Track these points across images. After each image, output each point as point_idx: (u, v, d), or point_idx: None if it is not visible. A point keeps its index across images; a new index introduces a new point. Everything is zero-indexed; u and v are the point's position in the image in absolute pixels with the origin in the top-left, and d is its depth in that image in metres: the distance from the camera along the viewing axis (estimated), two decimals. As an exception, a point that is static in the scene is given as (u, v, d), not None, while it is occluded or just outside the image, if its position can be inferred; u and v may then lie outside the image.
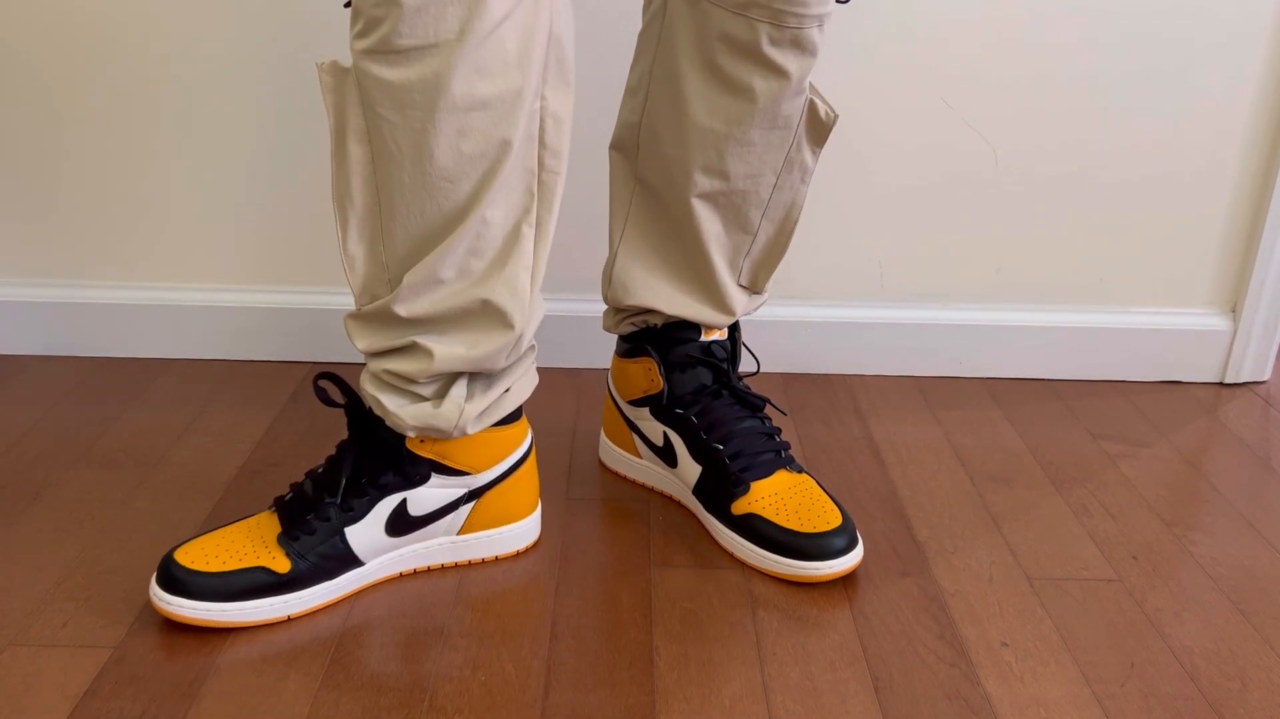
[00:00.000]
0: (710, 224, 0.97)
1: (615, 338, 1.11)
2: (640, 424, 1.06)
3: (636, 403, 1.05)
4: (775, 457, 0.99)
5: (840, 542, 0.93)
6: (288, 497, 0.90)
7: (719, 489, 0.98)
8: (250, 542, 0.87)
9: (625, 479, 1.09)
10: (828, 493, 0.98)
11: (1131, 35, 1.23)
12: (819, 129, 0.96)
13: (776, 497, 0.97)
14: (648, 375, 1.02)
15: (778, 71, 0.89)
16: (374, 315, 0.84)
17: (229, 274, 1.32)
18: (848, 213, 1.30)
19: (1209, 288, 1.34)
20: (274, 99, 1.24)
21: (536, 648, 0.85)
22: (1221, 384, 1.36)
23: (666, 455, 1.04)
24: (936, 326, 1.34)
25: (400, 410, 0.86)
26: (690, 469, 1.01)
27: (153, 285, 1.32)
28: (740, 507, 0.97)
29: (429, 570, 0.95)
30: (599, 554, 0.98)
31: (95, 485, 1.06)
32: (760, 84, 0.90)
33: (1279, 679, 0.85)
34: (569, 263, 1.30)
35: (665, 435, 1.03)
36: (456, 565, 0.95)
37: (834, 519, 0.94)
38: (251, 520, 0.90)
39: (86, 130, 1.25)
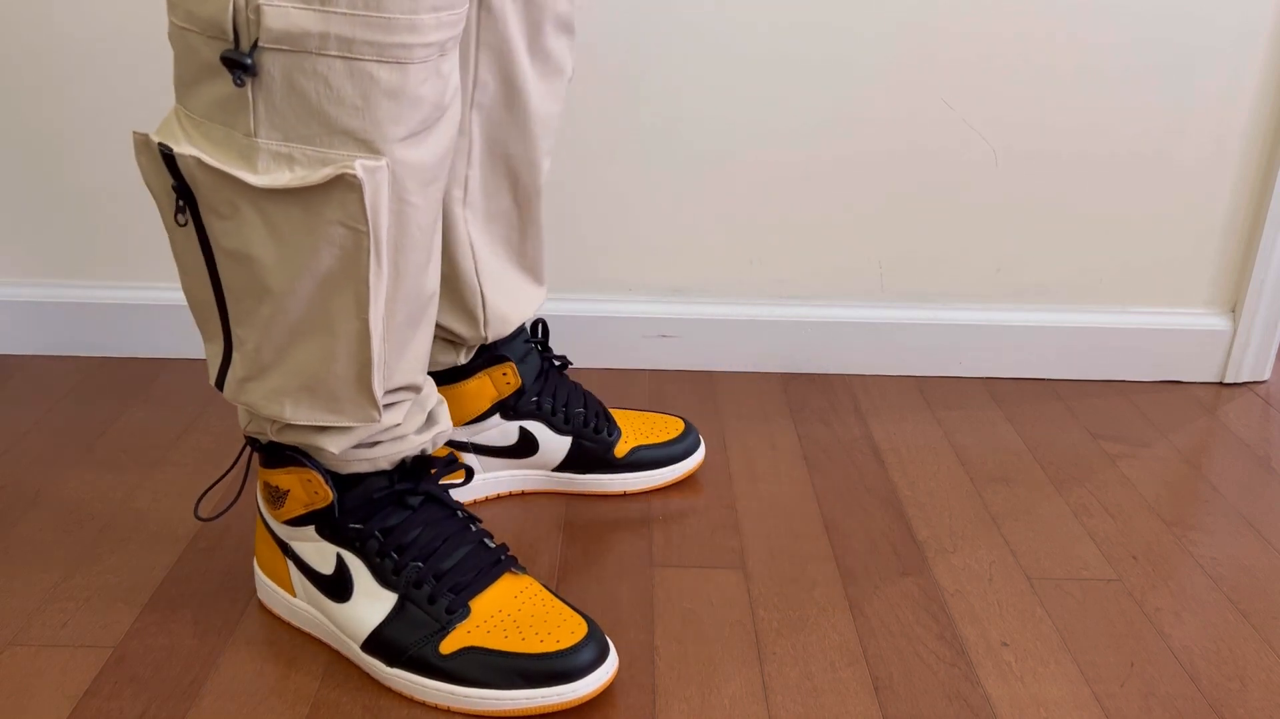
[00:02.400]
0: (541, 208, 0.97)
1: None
2: (484, 434, 1.02)
3: (483, 416, 1.01)
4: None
5: (690, 440, 1.06)
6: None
7: (597, 446, 1.06)
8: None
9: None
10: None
11: (1131, 36, 1.23)
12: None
13: (629, 427, 1.07)
14: (500, 381, 1.00)
15: (573, 32, 0.91)
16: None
17: (229, 274, 1.32)
18: (848, 213, 1.30)
19: (1209, 288, 1.34)
20: (274, 99, 1.24)
21: (536, 648, 0.85)
22: (1221, 384, 1.36)
23: (523, 449, 1.04)
24: (936, 326, 1.34)
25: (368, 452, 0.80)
26: (557, 447, 1.04)
27: (153, 285, 1.32)
28: (622, 448, 1.06)
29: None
30: (599, 554, 0.98)
31: (95, 485, 1.06)
32: (568, 52, 0.91)
33: (1279, 679, 0.85)
34: (569, 263, 1.31)
35: (522, 429, 1.03)
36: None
37: (677, 426, 1.07)
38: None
39: (86, 130, 1.25)
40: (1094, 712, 0.81)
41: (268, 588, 0.88)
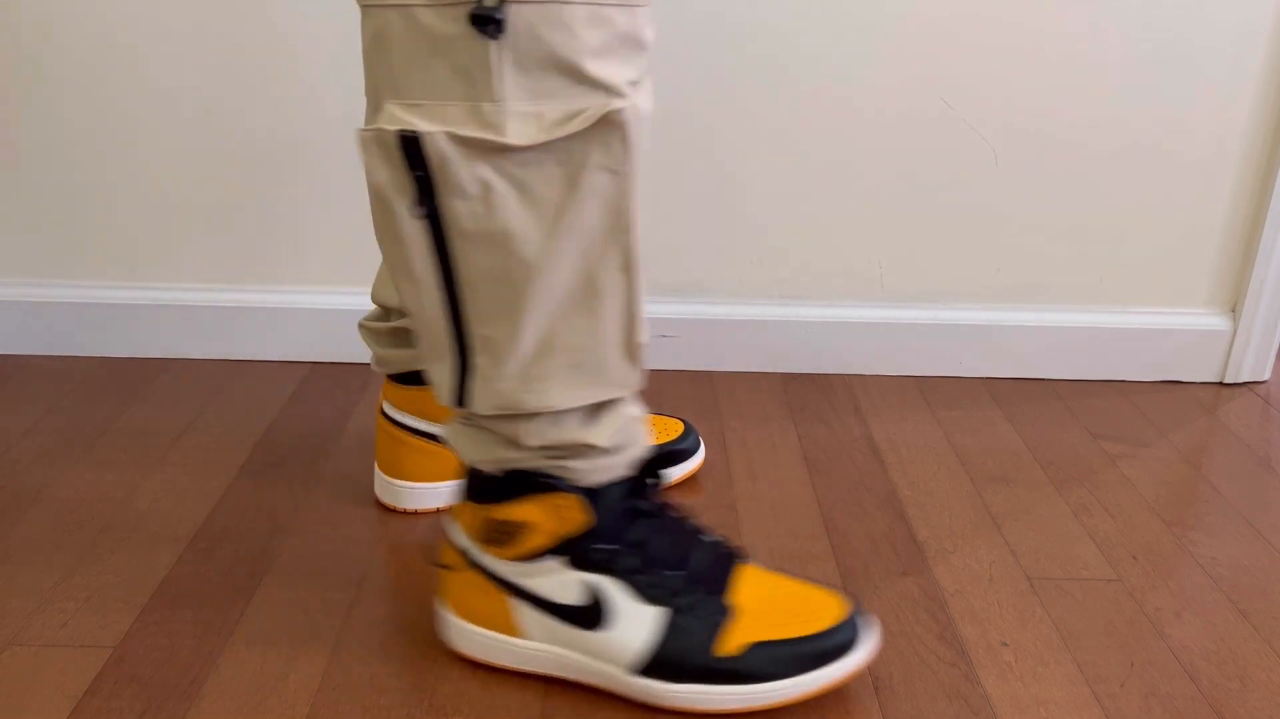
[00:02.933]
0: None
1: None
2: None
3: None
4: None
5: None
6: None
7: None
8: None
9: None
10: None
11: (1131, 36, 1.23)
12: None
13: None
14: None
15: None
16: None
17: (229, 274, 1.32)
18: (848, 213, 1.30)
19: (1209, 288, 1.34)
20: (276, 99, 1.24)
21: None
22: (1221, 384, 1.36)
23: None
24: (936, 326, 1.34)
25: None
26: None
27: (153, 285, 1.32)
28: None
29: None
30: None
31: (95, 485, 1.06)
32: None
33: (1279, 679, 0.85)
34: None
35: None
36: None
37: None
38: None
39: (87, 131, 1.25)
40: (1094, 712, 0.81)
41: (481, 638, 0.81)
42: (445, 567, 0.81)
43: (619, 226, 0.68)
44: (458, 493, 0.80)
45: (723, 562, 0.80)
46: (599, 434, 0.74)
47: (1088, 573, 0.97)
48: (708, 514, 1.04)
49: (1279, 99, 1.25)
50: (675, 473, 1.08)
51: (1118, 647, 0.88)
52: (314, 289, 1.32)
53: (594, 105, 0.65)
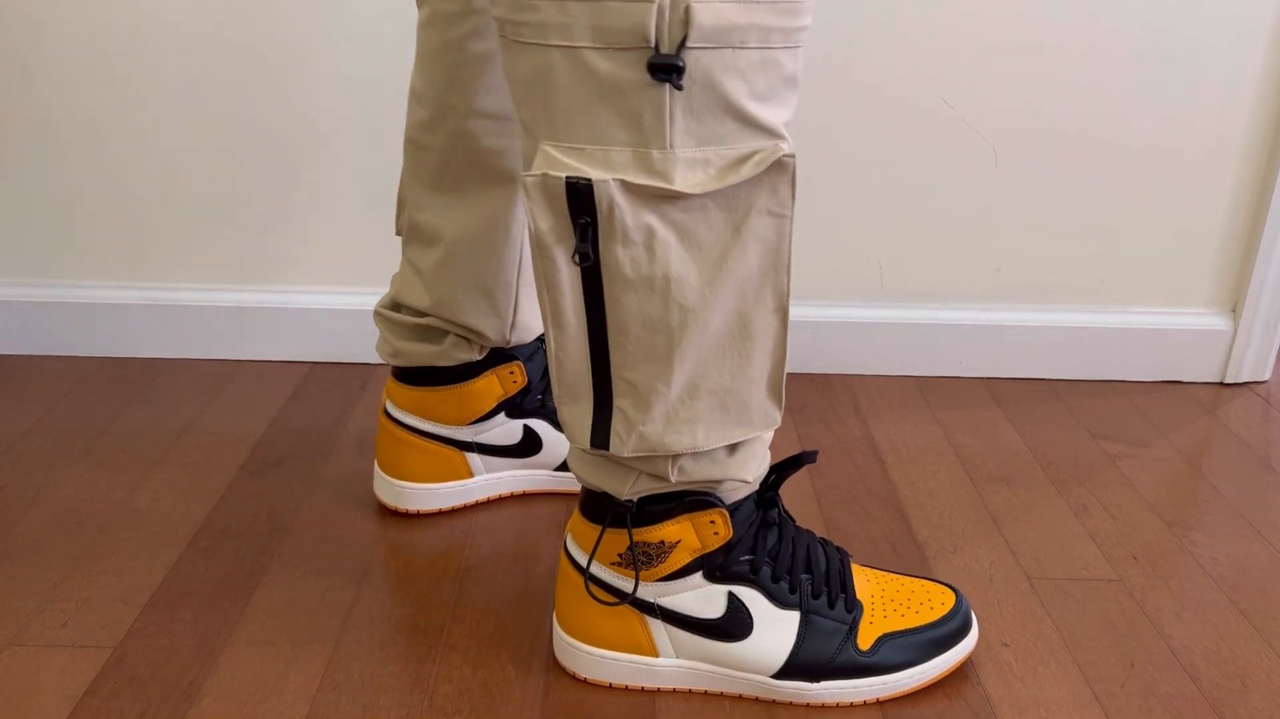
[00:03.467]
0: None
1: None
2: (489, 434, 1.01)
3: (488, 415, 1.00)
4: None
5: None
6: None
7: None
8: None
9: None
10: None
11: (1131, 36, 1.23)
12: None
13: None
14: (508, 380, 1.00)
15: None
16: None
17: (229, 274, 1.32)
18: (847, 213, 1.30)
19: (1209, 288, 1.34)
20: (277, 99, 1.24)
21: (536, 648, 0.85)
22: (1221, 384, 1.36)
23: (527, 448, 1.03)
24: (936, 326, 1.34)
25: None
26: (559, 445, 1.04)
27: (153, 285, 1.32)
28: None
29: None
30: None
31: (95, 485, 1.06)
32: None
33: (1279, 679, 0.85)
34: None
35: (526, 428, 1.02)
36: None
37: None
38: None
39: (86, 130, 1.25)
40: (1094, 712, 0.81)
41: (620, 664, 0.81)
42: (605, 602, 0.79)
43: (776, 268, 0.68)
44: (582, 518, 0.80)
45: (840, 563, 0.82)
46: (743, 469, 0.75)
47: (1088, 573, 0.97)
48: (708, 514, 1.04)
49: (1278, 100, 1.25)
50: None
51: (1118, 647, 0.88)
52: (314, 289, 1.32)
53: (761, 149, 0.64)
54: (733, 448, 0.75)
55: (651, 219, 0.64)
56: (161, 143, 1.26)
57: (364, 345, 1.33)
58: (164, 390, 1.26)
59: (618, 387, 0.70)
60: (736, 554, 0.78)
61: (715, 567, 0.78)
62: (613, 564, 0.78)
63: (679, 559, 0.77)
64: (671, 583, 0.78)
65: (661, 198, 0.63)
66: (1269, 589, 0.96)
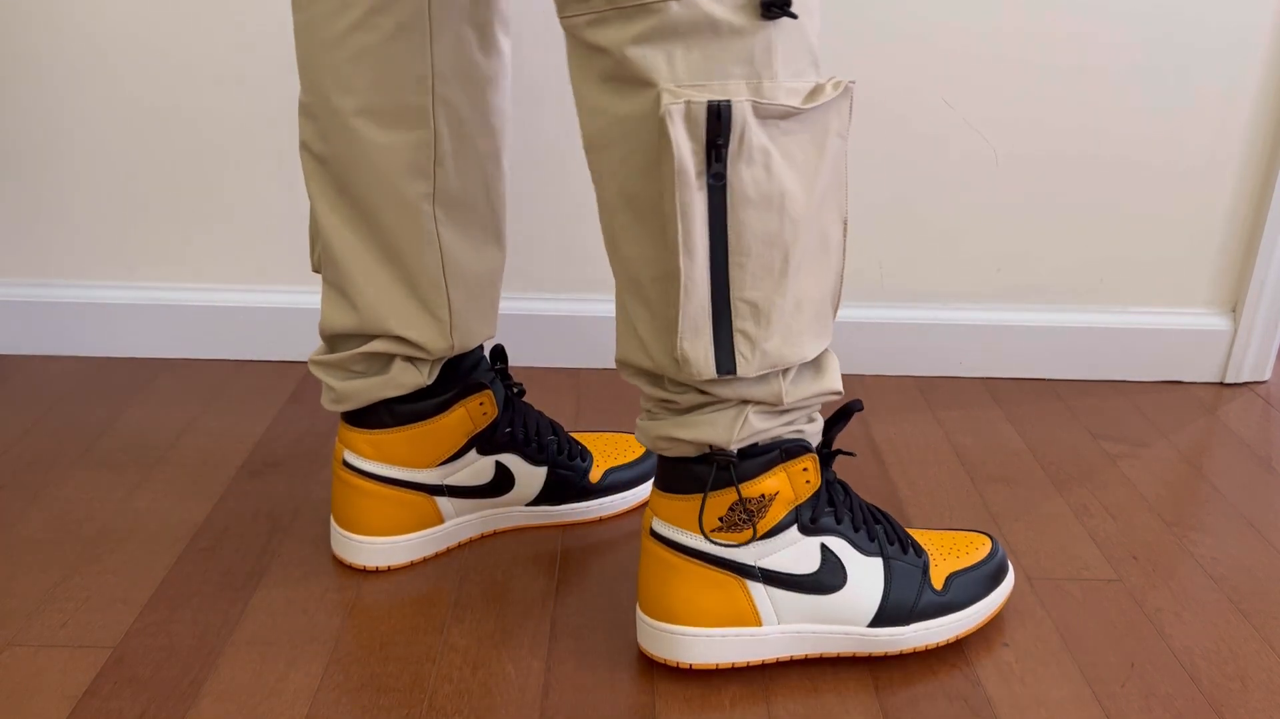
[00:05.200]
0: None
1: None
2: (459, 474, 0.96)
3: (459, 453, 0.95)
4: None
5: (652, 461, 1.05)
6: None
7: (573, 474, 1.02)
8: None
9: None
10: None
11: (1132, 36, 1.23)
12: None
13: (594, 448, 1.05)
14: (477, 412, 0.94)
15: (509, 35, 0.92)
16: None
17: (229, 274, 1.32)
18: (848, 212, 1.30)
19: (1209, 288, 1.34)
20: (276, 98, 1.24)
21: (536, 648, 0.85)
22: (1222, 384, 1.36)
23: (499, 486, 0.98)
24: (936, 326, 1.34)
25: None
26: (532, 480, 1.00)
27: (153, 285, 1.32)
28: (596, 473, 1.03)
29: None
30: (599, 555, 0.98)
31: (95, 485, 1.06)
32: (509, 54, 0.92)
33: (1279, 679, 0.85)
34: (570, 263, 1.31)
35: (497, 464, 0.97)
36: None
37: (638, 447, 1.06)
38: None
39: (87, 130, 1.25)
40: (1095, 712, 0.81)
41: (726, 640, 0.81)
42: (707, 560, 0.81)
43: (841, 185, 0.76)
44: (668, 495, 0.80)
45: (887, 513, 0.87)
46: (833, 380, 0.80)
47: (1088, 573, 0.97)
48: (708, 514, 1.04)
49: (1278, 99, 1.25)
50: (636, 496, 1.04)
51: (1118, 647, 0.88)
52: (314, 289, 1.32)
53: (829, 79, 0.73)
54: (817, 363, 0.80)
55: (766, 140, 0.70)
56: (161, 142, 1.26)
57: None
58: (164, 390, 1.26)
59: (737, 309, 0.73)
60: (823, 505, 0.81)
61: (807, 519, 0.81)
62: (714, 531, 0.80)
63: (776, 513, 0.80)
64: (769, 541, 0.80)
65: (777, 116, 0.70)
66: (1269, 589, 0.96)
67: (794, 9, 0.70)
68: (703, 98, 0.68)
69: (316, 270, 0.91)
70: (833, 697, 0.81)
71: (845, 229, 0.78)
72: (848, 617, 0.82)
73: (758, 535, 0.80)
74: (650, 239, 0.73)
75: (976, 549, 0.89)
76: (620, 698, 0.81)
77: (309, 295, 1.32)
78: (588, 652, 0.85)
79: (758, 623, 0.82)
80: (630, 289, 0.76)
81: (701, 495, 0.79)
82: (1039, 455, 1.17)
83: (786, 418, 0.79)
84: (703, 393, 0.77)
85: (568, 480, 1.00)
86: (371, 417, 0.91)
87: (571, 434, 1.05)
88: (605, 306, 1.31)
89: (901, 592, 0.83)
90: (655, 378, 0.79)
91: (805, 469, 0.80)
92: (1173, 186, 1.29)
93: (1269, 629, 0.90)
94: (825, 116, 0.73)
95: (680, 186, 0.70)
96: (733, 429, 0.77)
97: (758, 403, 0.77)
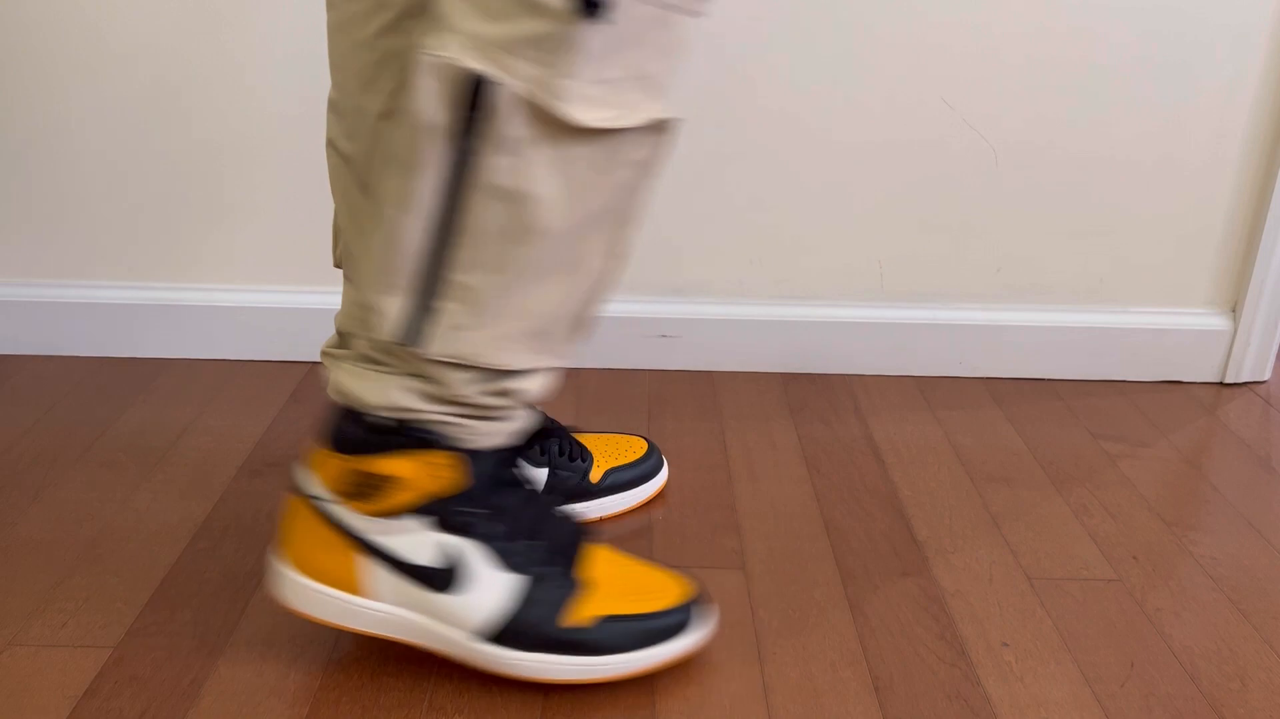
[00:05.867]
0: None
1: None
2: None
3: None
4: None
5: (653, 461, 1.05)
6: None
7: (572, 475, 1.02)
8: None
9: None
10: None
11: (1132, 35, 1.23)
12: None
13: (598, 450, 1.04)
14: None
15: None
16: None
17: (229, 274, 1.32)
18: (848, 213, 1.30)
19: (1209, 288, 1.34)
20: (278, 98, 1.24)
21: (536, 648, 0.85)
22: (1221, 384, 1.36)
23: None
24: (936, 326, 1.34)
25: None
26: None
27: (153, 285, 1.32)
28: (595, 474, 1.03)
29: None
30: (599, 554, 0.98)
31: (95, 485, 1.06)
32: None
33: (1279, 679, 0.85)
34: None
35: None
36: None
37: (641, 447, 1.05)
38: None
39: (87, 130, 1.25)
40: (1094, 712, 0.81)
41: (323, 596, 0.79)
42: (325, 518, 0.79)
43: (625, 217, 0.72)
44: (319, 439, 0.78)
45: (575, 538, 0.82)
46: (526, 393, 0.76)
47: (1088, 573, 0.97)
48: (708, 514, 1.04)
49: (1279, 99, 1.25)
50: (647, 491, 1.05)
51: (1118, 647, 0.88)
52: (313, 289, 1.32)
53: (651, 105, 0.68)
54: (518, 374, 0.76)
55: (533, 136, 0.66)
56: (162, 142, 1.26)
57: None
58: (164, 390, 1.26)
59: (449, 287, 0.70)
60: (466, 505, 0.77)
61: (440, 513, 0.77)
62: (341, 493, 0.77)
63: (401, 497, 0.76)
64: (390, 521, 0.77)
65: (553, 122, 0.66)
66: (1269, 589, 0.96)
67: (619, 19, 0.64)
68: (471, 64, 0.64)
69: (338, 265, 0.92)
70: (832, 696, 0.81)
71: (617, 263, 0.73)
72: (453, 621, 0.78)
73: (377, 512, 0.77)
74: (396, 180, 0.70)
75: (660, 598, 0.81)
76: (620, 698, 0.81)
77: (309, 295, 1.32)
78: (588, 652, 0.85)
79: (358, 593, 0.79)
80: (375, 222, 0.72)
81: (337, 453, 0.77)
82: (1039, 455, 1.17)
83: (449, 409, 0.75)
84: (378, 349, 0.74)
85: (568, 481, 1.01)
86: None
87: (573, 434, 1.05)
88: (605, 306, 1.31)
89: (531, 617, 0.78)
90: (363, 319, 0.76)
91: (438, 464, 0.75)
92: (1172, 186, 1.29)
93: (1269, 629, 0.90)
94: (619, 142, 0.68)
95: (407, 139, 0.67)
96: (376, 394, 0.75)
97: (424, 381, 0.74)
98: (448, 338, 0.72)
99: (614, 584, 0.81)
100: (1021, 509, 1.07)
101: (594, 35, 0.64)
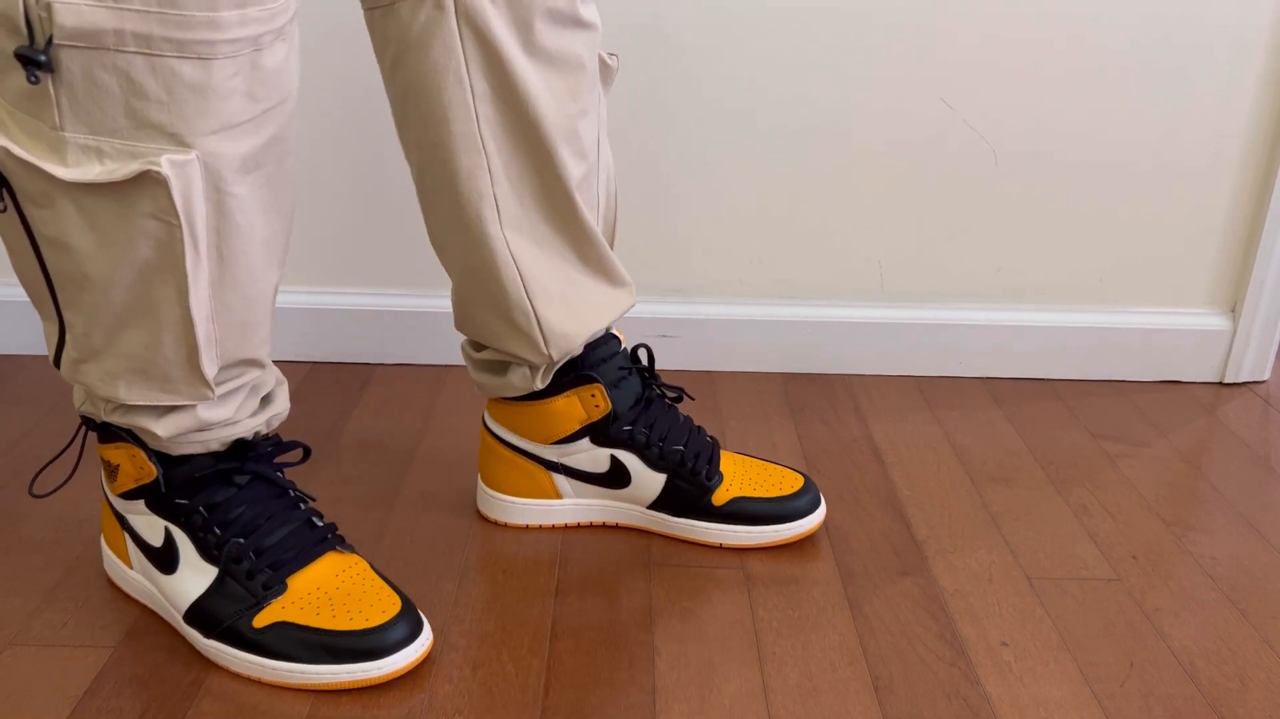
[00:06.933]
0: (589, 211, 0.91)
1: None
2: (575, 458, 0.99)
3: (572, 438, 0.97)
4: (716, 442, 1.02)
5: (807, 499, 0.99)
6: None
7: (693, 488, 0.98)
8: None
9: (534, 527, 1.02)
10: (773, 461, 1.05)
11: (1131, 35, 1.23)
12: (607, 73, 0.91)
13: (736, 475, 1.00)
14: (589, 403, 0.96)
15: (589, 26, 0.86)
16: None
17: (229, 274, 1.32)
18: (847, 213, 1.30)
19: (1209, 288, 1.34)
20: (274, 99, 1.24)
21: (536, 648, 0.85)
22: (1221, 384, 1.36)
23: (615, 479, 0.99)
24: (936, 326, 1.34)
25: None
26: (650, 483, 0.98)
27: (153, 285, 1.32)
28: (721, 496, 0.98)
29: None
30: (599, 554, 0.98)
31: (95, 485, 1.06)
32: (583, 47, 0.86)
33: (1279, 679, 0.85)
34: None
35: (613, 458, 0.98)
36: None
37: (796, 481, 1.00)
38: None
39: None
40: (1094, 711, 0.81)
41: (109, 559, 0.91)
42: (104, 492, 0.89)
43: (173, 266, 0.71)
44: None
45: (308, 545, 0.84)
46: (161, 428, 0.79)
47: (1088, 573, 0.97)
48: (708, 514, 1.04)
49: (1278, 99, 1.25)
50: (783, 533, 0.99)
51: (1118, 647, 0.88)
52: (313, 289, 1.32)
53: (152, 150, 0.67)
54: (163, 410, 0.79)
55: (51, 190, 0.68)
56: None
57: (364, 345, 1.33)
58: (164, 390, 1.26)
59: (65, 320, 0.76)
60: (172, 494, 0.83)
61: (154, 499, 0.83)
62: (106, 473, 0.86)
63: (124, 482, 0.84)
64: (127, 501, 0.85)
65: (37, 171, 0.67)
66: (1269, 589, 0.96)
67: (64, 71, 0.64)
68: None
69: None
70: (832, 696, 0.81)
71: (186, 306, 0.72)
72: (171, 600, 0.84)
73: (116, 493, 0.85)
74: None
75: (359, 615, 0.81)
76: (620, 698, 0.81)
77: (310, 295, 1.32)
78: (587, 652, 0.85)
79: (130, 565, 0.88)
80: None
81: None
82: (1039, 455, 1.17)
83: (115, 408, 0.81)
84: None
85: (686, 494, 0.98)
86: None
87: (732, 454, 1.03)
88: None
89: (218, 607, 0.82)
90: None
91: (135, 457, 0.82)
92: (1172, 187, 1.29)
93: (1268, 629, 0.90)
94: (128, 195, 0.68)
95: None
96: (79, 398, 0.84)
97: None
98: (70, 369, 0.78)
99: (316, 595, 0.82)
100: (1021, 509, 1.07)
101: (62, 88, 0.65)
